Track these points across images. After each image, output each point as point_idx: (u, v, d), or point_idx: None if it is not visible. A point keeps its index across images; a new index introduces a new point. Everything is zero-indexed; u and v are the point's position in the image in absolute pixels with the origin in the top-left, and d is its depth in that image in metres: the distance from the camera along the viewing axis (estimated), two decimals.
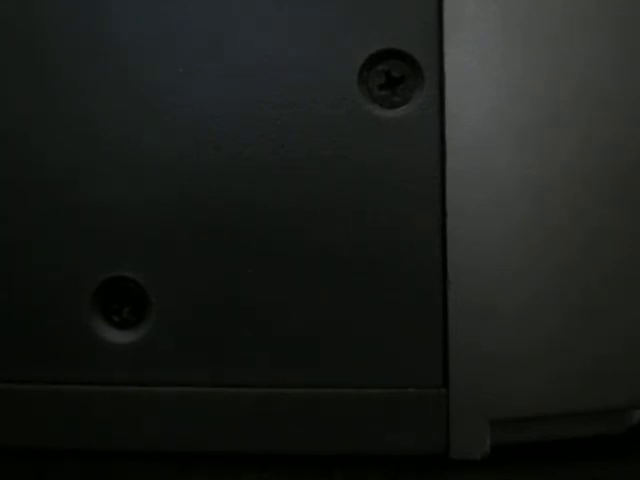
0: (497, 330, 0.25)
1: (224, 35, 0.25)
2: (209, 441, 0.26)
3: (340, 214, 0.25)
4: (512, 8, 0.24)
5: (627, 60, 0.25)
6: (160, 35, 0.25)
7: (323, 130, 0.25)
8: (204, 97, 0.25)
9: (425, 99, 0.25)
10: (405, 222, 0.25)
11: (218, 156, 0.25)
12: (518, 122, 0.24)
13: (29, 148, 0.25)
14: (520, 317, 0.25)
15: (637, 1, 0.25)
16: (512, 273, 0.25)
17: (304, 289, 0.25)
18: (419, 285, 0.25)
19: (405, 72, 0.25)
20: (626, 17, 0.25)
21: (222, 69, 0.25)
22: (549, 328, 0.25)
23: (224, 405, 0.25)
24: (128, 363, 0.25)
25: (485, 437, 0.25)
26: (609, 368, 0.25)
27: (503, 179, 0.24)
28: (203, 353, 0.25)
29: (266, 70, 0.25)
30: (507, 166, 0.24)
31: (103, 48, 0.25)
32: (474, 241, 0.25)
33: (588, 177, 0.25)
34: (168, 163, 0.25)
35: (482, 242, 0.25)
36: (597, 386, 0.25)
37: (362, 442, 0.25)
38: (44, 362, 0.26)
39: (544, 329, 0.25)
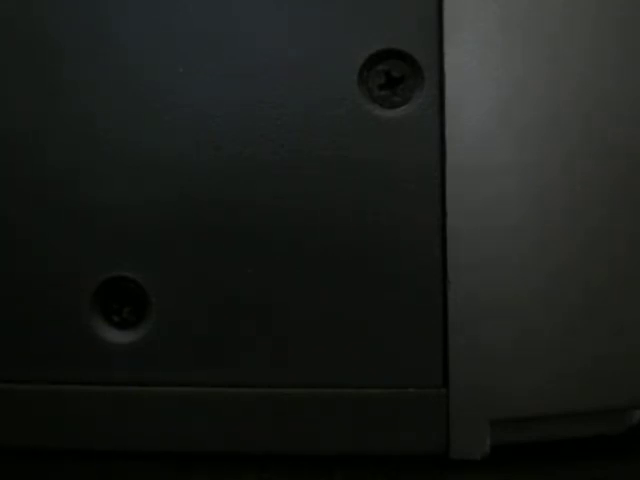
0: (497, 330, 0.25)
1: (224, 35, 0.25)
2: (209, 441, 0.26)
3: (340, 214, 0.25)
4: (512, 8, 0.24)
5: (627, 60, 0.25)
6: (160, 35, 0.25)
7: (323, 130, 0.25)
8: (204, 97, 0.25)
9: (425, 99, 0.25)
10: (405, 222, 0.25)
11: (218, 156, 0.25)
12: (518, 122, 0.24)
13: (29, 148, 0.25)
14: (520, 317, 0.25)
15: (637, 1, 0.25)
16: (512, 273, 0.25)
17: (304, 289, 0.25)
18: (419, 285, 0.25)
19: (405, 72, 0.25)
20: (626, 17, 0.25)
21: (222, 69, 0.25)
22: (549, 328, 0.25)
23: (224, 405, 0.25)
24: (128, 363, 0.25)
25: (485, 437, 0.25)
26: (609, 368, 0.25)
27: (503, 179, 0.24)
28: (203, 353, 0.25)
29: (266, 70, 0.25)
30: (507, 166, 0.24)
31: (103, 48, 0.25)
32: (474, 241, 0.25)
33: (588, 177, 0.25)
34: (168, 163, 0.25)
35: (482, 242, 0.25)
36: (597, 386, 0.25)
37: (362, 442, 0.25)
38: (44, 362, 0.26)
39: (544, 329, 0.25)
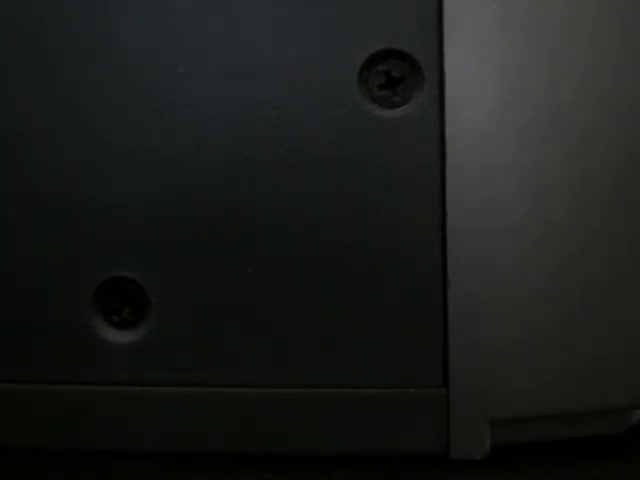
0: (497, 330, 0.25)
1: (224, 35, 0.25)
2: (209, 441, 0.26)
3: (340, 214, 0.25)
4: (512, 8, 0.24)
5: (627, 60, 0.25)
6: (160, 35, 0.25)
7: (323, 130, 0.25)
8: (204, 97, 0.25)
9: (425, 99, 0.25)
10: (405, 222, 0.25)
11: (218, 156, 0.25)
12: (518, 122, 0.24)
13: (29, 148, 0.25)
14: (520, 317, 0.25)
15: (637, 1, 0.25)
16: (512, 273, 0.25)
17: (304, 289, 0.25)
18: (419, 285, 0.25)
19: (405, 72, 0.25)
20: (626, 17, 0.25)
21: (222, 69, 0.25)
22: (549, 328, 0.25)
23: (224, 405, 0.25)
24: (128, 363, 0.25)
25: (485, 437, 0.25)
26: (609, 368, 0.25)
27: (503, 179, 0.24)
28: (203, 353, 0.25)
29: (266, 70, 0.25)
30: (507, 166, 0.24)
31: (103, 48, 0.25)
32: (474, 241, 0.25)
33: (588, 177, 0.25)
34: (168, 163, 0.25)
35: (482, 242, 0.25)
36: (597, 386, 0.25)
37: (362, 442, 0.25)
38: (44, 362, 0.26)
39: (544, 329, 0.25)
